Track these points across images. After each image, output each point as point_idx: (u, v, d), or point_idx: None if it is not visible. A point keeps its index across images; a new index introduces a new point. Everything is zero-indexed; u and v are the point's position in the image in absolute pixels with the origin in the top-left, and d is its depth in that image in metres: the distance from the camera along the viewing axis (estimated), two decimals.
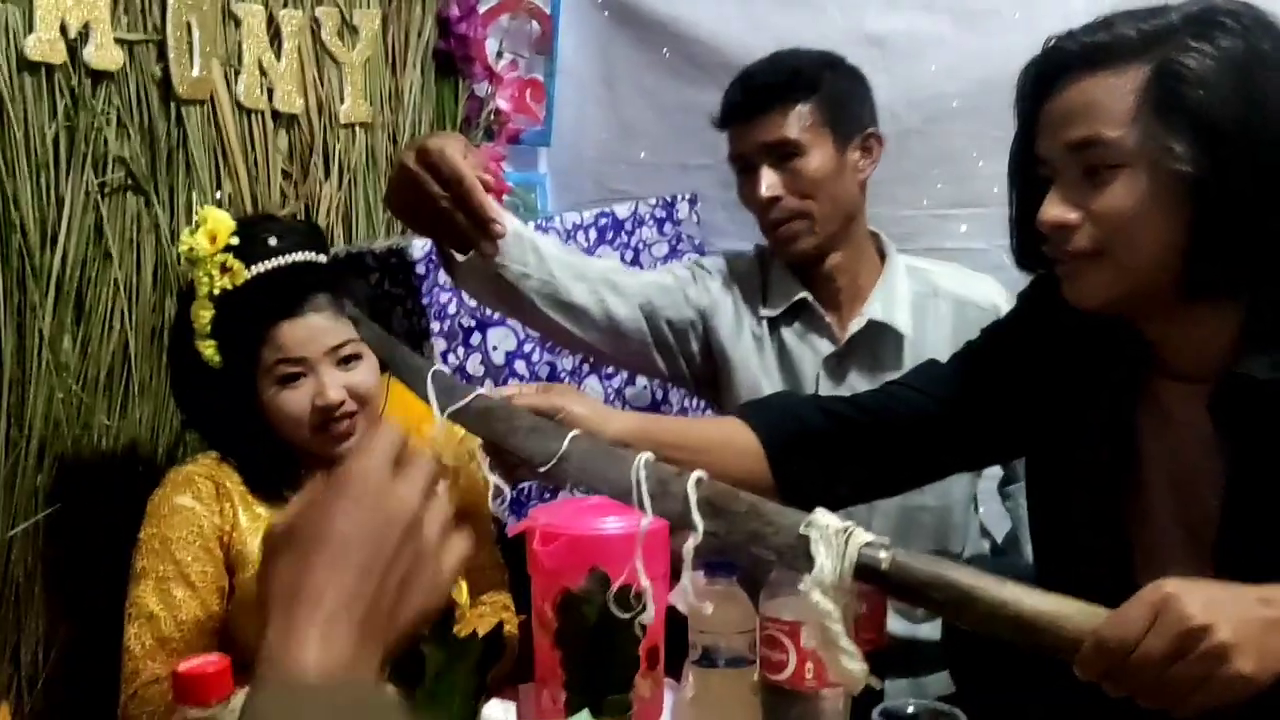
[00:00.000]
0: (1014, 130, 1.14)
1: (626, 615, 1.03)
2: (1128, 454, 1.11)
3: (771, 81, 1.62)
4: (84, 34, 1.58)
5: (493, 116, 2.29)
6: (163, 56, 1.70)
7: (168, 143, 1.72)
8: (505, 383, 1.88)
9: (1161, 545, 1.08)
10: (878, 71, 1.72)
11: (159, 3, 1.69)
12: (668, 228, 2.17)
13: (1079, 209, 1.03)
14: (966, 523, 1.71)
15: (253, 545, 1.42)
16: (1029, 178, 1.10)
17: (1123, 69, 1.00)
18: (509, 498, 1.06)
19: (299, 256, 1.45)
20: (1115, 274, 1.04)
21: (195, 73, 1.73)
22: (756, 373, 1.66)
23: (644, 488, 0.98)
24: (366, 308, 1.42)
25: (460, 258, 1.43)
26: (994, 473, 1.75)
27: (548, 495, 1.87)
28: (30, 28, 1.53)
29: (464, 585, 1.50)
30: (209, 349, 1.42)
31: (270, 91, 1.86)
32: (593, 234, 2.00)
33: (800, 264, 1.67)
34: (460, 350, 1.81)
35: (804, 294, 1.67)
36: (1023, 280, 1.25)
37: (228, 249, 1.41)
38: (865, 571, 0.91)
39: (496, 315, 1.83)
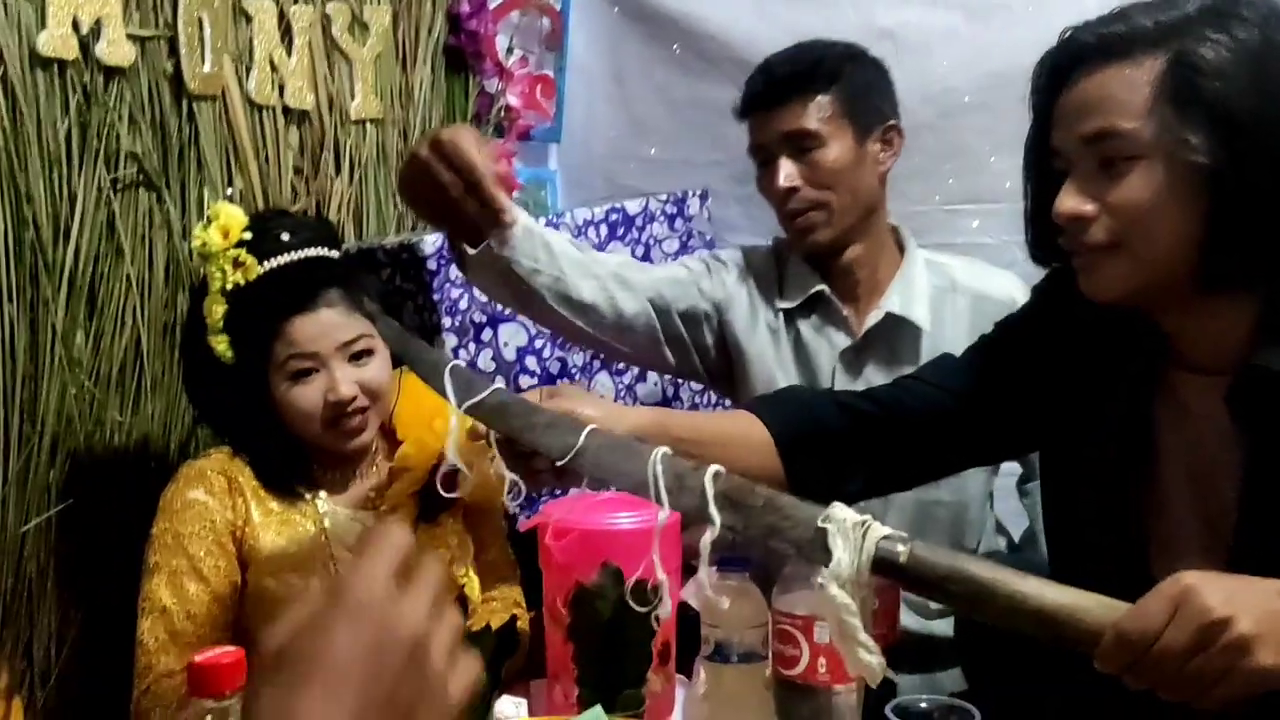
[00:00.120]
0: (1026, 125, 1.14)
1: (643, 609, 1.02)
2: (1144, 447, 1.11)
3: (792, 72, 1.62)
4: (96, 30, 1.58)
5: (503, 113, 2.29)
6: (174, 53, 1.70)
7: (179, 139, 1.72)
8: (516, 379, 1.88)
9: (1177, 538, 1.08)
10: (889, 66, 1.71)
11: None
12: (678, 223, 2.16)
13: (1095, 201, 1.03)
14: (982, 519, 1.71)
15: (265, 540, 1.42)
16: (1044, 170, 1.10)
17: (1139, 60, 1.00)
18: (524, 493, 1.06)
19: (311, 252, 1.45)
20: (1131, 266, 1.03)
21: (207, 69, 1.73)
22: (772, 366, 1.66)
23: (661, 481, 0.98)
24: (377, 304, 1.42)
25: (471, 251, 1.43)
26: (1011, 469, 1.75)
27: (559, 491, 1.87)
28: (43, 24, 1.53)
29: (475, 581, 1.50)
30: (221, 344, 1.43)
31: (281, 87, 1.86)
32: (603, 230, 2.00)
33: (818, 256, 1.67)
34: (471, 346, 1.81)
35: (821, 286, 1.66)
36: (1037, 275, 1.25)
37: (240, 244, 1.41)
38: (883, 565, 0.90)
39: (508, 311, 1.83)
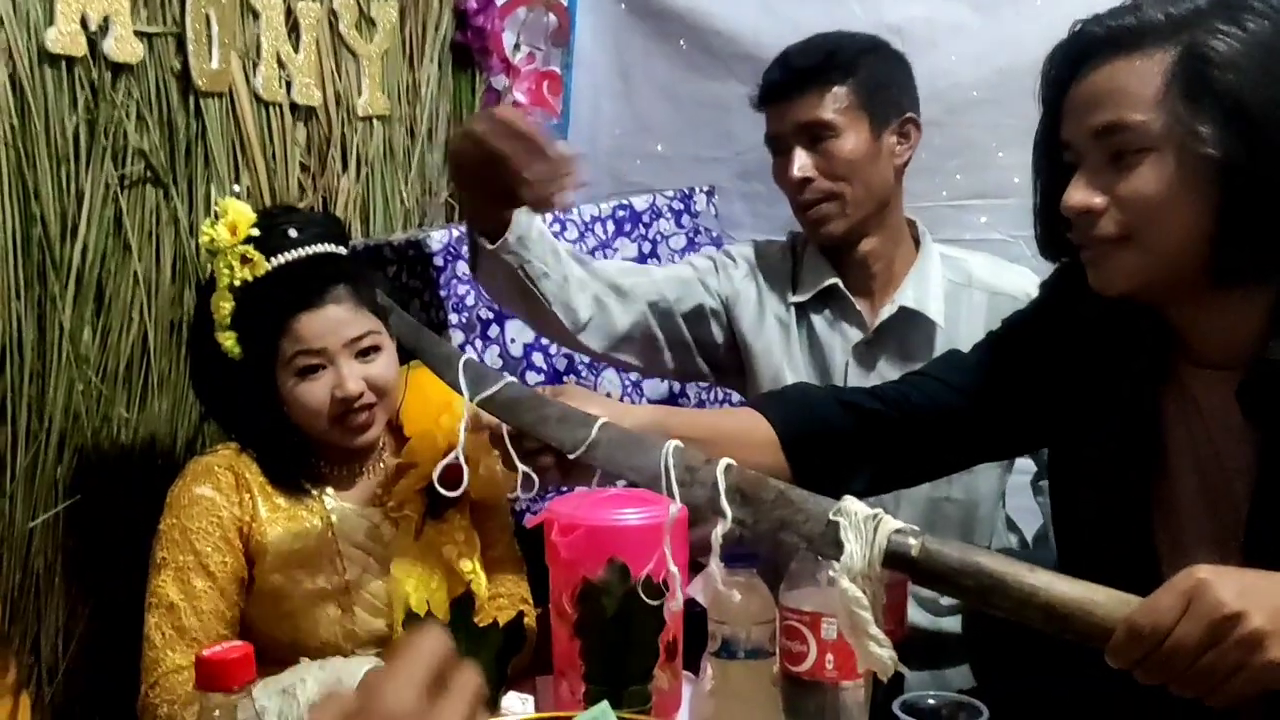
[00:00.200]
0: (1034, 120, 1.13)
1: (654, 602, 1.02)
2: (1153, 442, 1.10)
3: (808, 63, 1.61)
4: (104, 27, 1.59)
5: (488, 110, 2.29)
6: (182, 49, 1.70)
7: (187, 135, 1.72)
8: (523, 375, 1.88)
9: (1187, 533, 1.08)
10: None
11: None
12: (685, 220, 2.16)
13: (1104, 194, 1.02)
14: (994, 517, 1.70)
15: (272, 536, 1.42)
16: (1053, 164, 1.09)
17: (1150, 53, 1.00)
18: (536, 485, 1.06)
19: (319, 248, 1.45)
20: (1141, 259, 1.03)
21: (214, 65, 1.74)
22: (780, 361, 1.66)
23: (673, 474, 0.97)
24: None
25: (489, 246, 1.43)
26: (1026, 466, 1.74)
27: (564, 488, 1.87)
28: (51, 20, 1.53)
29: (482, 576, 1.50)
30: (229, 340, 1.43)
31: (288, 84, 1.87)
32: (610, 226, 2.00)
33: (832, 248, 1.67)
34: (478, 342, 1.81)
35: (834, 280, 1.66)
36: (1048, 270, 1.24)
37: (248, 240, 1.41)
38: (895, 558, 0.90)
39: None
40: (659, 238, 2.11)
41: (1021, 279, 1.66)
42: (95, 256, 1.62)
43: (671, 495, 0.98)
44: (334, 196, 1.98)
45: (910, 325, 1.63)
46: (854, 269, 1.66)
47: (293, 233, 1.44)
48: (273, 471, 1.46)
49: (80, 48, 1.56)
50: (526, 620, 1.35)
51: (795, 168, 1.61)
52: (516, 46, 2.31)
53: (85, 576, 1.64)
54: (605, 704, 0.94)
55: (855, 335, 1.65)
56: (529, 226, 1.46)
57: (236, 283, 1.41)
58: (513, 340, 1.85)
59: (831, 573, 0.92)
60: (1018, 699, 1.18)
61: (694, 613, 1.20)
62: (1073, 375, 1.16)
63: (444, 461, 1.13)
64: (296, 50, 1.87)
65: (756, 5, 2.20)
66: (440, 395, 1.50)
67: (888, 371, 1.60)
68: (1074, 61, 1.05)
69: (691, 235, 2.18)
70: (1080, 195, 1.03)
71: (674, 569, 0.99)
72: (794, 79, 1.62)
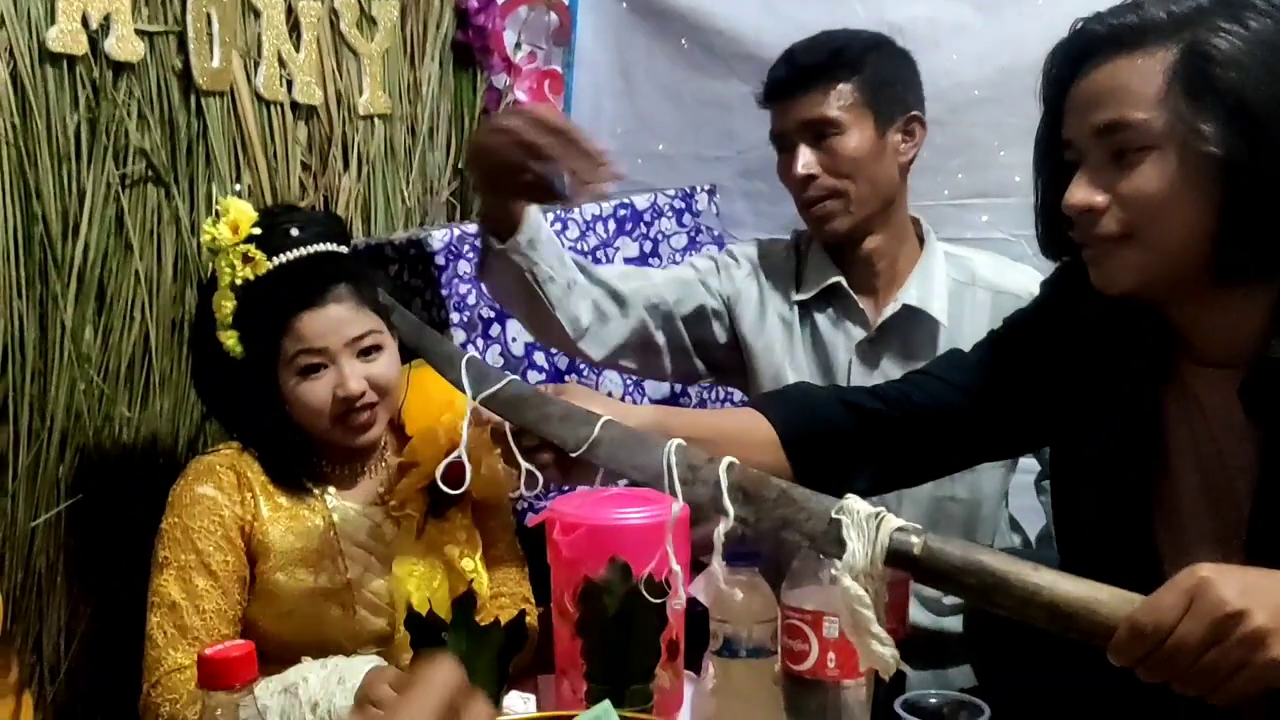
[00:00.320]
0: (1036, 119, 1.13)
1: (657, 600, 1.02)
2: (1154, 441, 1.10)
3: (814, 60, 1.61)
4: (105, 25, 1.59)
5: (510, 108, 2.29)
6: (183, 48, 1.70)
7: (188, 134, 1.72)
8: (524, 374, 1.88)
9: (1189, 532, 1.07)
10: None
11: None
12: (686, 219, 2.16)
13: (1106, 192, 1.02)
14: (997, 517, 1.70)
15: (273, 535, 1.42)
16: (1055, 162, 1.09)
17: (1151, 51, 0.99)
18: (540, 482, 1.06)
19: (321, 247, 1.45)
20: (1143, 258, 1.03)
21: (215, 64, 1.74)
22: (782, 360, 1.66)
23: (675, 473, 0.97)
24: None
25: (498, 245, 1.44)
26: (1029, 466, 1.74)
27: (566, 487, 1.87)
28: (52, 19, 1.53)
29: (484, 576, 1.50)
30: (230, 339, 1.43)
31: (289, 83, 1.87)
32: (611, 225, 2.00)
33: (837, 245, 1.67)
34: (479, 341, 1.81)
35: (838, 278, 1.66)
36: (1051, 269, 1.24)
37: (250, 239, 1.41)
38: (897, 557, 0.90)
39: None
40: (660, 236, 2.11)
41: (1025, 278, 1.66)
42: (97, 255, 1.62)
43: (674, 493, 0.98)
44: (335, 195, 1.98)
45: (914, 323, 1.63)
46: (858, 267, 1.66)
47: (294, 232, 1.44)
48: (274, 470, 1.46)
49: (81, 46, 1.56)
50: (528, 619, 1.35)
51: (799, 165, 1.60)
52: (518, 45, 2.31)
53: (87, 575, 1.64)
54: (607, 703, 0.94)
55: (858, 333, 1.65)
56: (538, 229, 1.46)
57: (238, 281, 1.41)
58: (514, 339, 1.85)
59: (834, 571, 0.92)
60: (1020, 698, 1.18)
61: (696, 611, 1.20)
62: (1074, 374, 1.16)
63: (447, 460, 1.14)
64: (298, 49, 1.87)
65: (758, 4, 2.20)
66: (442, 394, 1.50)
67: (891, 370, 1.59)
68: (1075, 60, 1.05)
69: (693, 234, 2.18)
70: (1082, 194, 1.03)
71: (676, 567, 0.99)
72: (799, 76, 1.61)
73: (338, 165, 1.98)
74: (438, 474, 1.12)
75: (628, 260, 2.00)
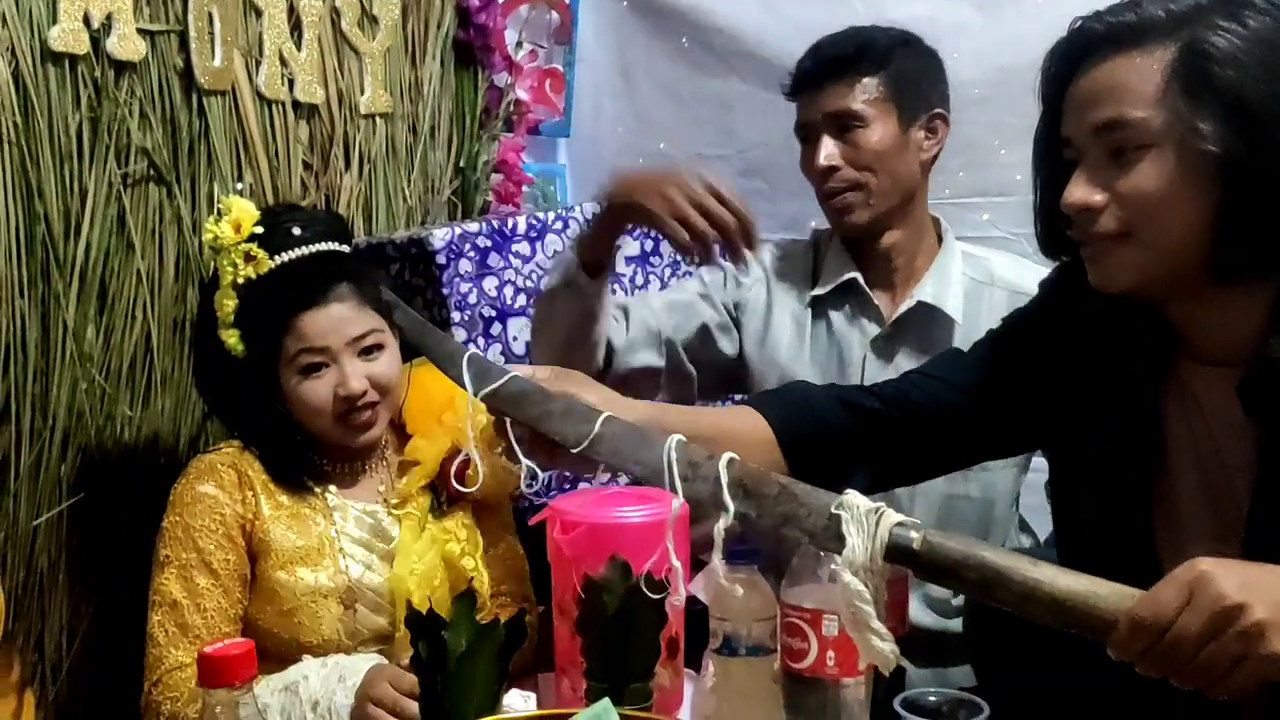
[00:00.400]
0: (1035, 118, 1.13)
1: (657, 596, 1.02)
2: (1153, 439, 1.10)
3: (841, 53, 1.62)
4: (107, 25, 1.59)
5: (512, 107, 2.29)
6: (184, 47, 1.71)
7: (190, 133, 1.73)
8: None
9: (1187, 531, 1.07)
10: None
11: None
12: None
13: (1105, 191, 1.02)
14: (1009, 517, 1.70)
15: (275, 534, 1.43)
16: (1054, 161, 1.09)
17: (1150, 49, 0.99)
18: (539, 479, 1.06)
19: (323, 246, 1.45)
20: (1142, 256, 1.03)
21: (217, 63, 1.74)
22: (792, 360, 1.66)
23: (675, 469, 0.97)
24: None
25: (585, 279, 1.48)
26: (1041, 465, 1.73)
27: (567, 485, 1.87)
28: (54, 19, 1.54)
29: (485, 574, 1.50)
30: (232, 338, 1.43)
31: (291, 82, 1.87)
32: None
33: (855, 241, 1.67)
34: (480, 340, 1.81)
35: (854, 274, 1.66)
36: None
37: (252, 238, 1.41)
38: (897, 552, 0.90)
39: (517, 305, 1.83)
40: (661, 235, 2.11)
41: (1042, 279, 1.66)
42: (99, 255, 1.63)
43: (674, 490, 0.98)
44: (337, 194, 1.98)
45: (928, 321, 1.64)
46: (876, 262, 1.67)
47: (296, 231, 1.44)
48: (276, 469, 1.47)
49: (83, 46, 1.56)
50: (528, 618, 1.35)
51: (822, 156, 1.61)
52: (519, 44, 2.31)
53: (89, 574, 1.64)
54: (606, 701, 0.94)
55: (873, 330, 1.66)
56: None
57: (240, 280, 1.42)
58: (515, 338, 1.85)
59: (834, 567, 0.92)
60: (1020, 695, 1.18)
61: (696, 610, 1.20)
62: (1073, 373, 1.16)
63: (459, 459, 1.15)
64: (299, 48, 1.88)
65: (759, 3, 2.20)
66: (442, 393, 1.50)
67: (905, 367, 1.58)
68: (1074, 58, 1.05)
69: None
70: (1080, 192, 1.03)
71: (676, 564, 0.99)
72: (825, 68, 1.63)
73: (339, 164, 1.98)
74: (451, 474, 1.14)
75: (629, 259, 2.01)
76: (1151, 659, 0.86)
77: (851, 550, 0.91)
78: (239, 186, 1.79)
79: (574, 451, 1.04)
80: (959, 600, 1.63)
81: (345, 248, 1.50)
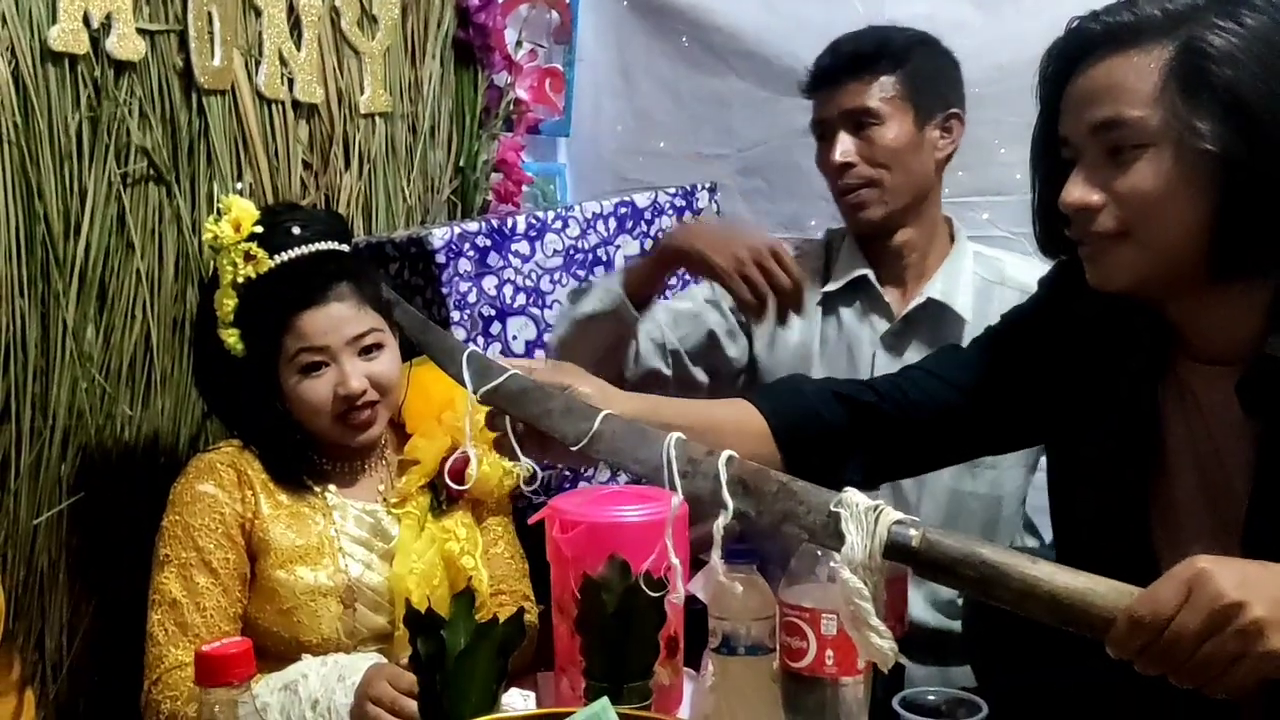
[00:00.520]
0: (1035, 117, 1.13)
1: (656, 594, 1.02)
2: (1152, 439, 1.10)
3: (859, 51, 1.64)
4: (106, 24, 1.59)
5: (511, 106, 2.29)
6: (184, 47, 1.71)
7: (189, 133, 1.73)
8: None
9: (1186, 530, 1.07)
10: None
11: None
12: (687, 216, 2.16)
13: (1102, 190, 1.02)
14: (1016, 516, 1.71)
15: (274, 533, 1.43)
16: (1052, 160, 1.09)
17: (1147, 48, 0.99)
18: (539, 478, 1.06)
19: (322, 246, 1.46)
20: (1140, 255, 1.03)
21: (216, 63, 1.74)
22: (800, 358, 1.67)
23: (674, 466, 0.98)
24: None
25: (634, 313, 1.55)
26: None
27: (567, 485, 1.87)
28: (53, 18, 1.54)
29: (484, 574, 1.51)
30: (232, 337, 1.43)
31: (290, 81, 1.87)
32: (612, 223, 2.00)
33: (868, 237, 1.69)
34: (480, 339, 1.81)
35: (865, 271, 1.68)
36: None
37: (252, 237, 1.42)
38: (896, 549, 0.90)
39: (516, 304, 1.83)
40: (661, 234, 2.11)
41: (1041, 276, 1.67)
42: (98, 254, 1.63)
43: (673, 487, 0.98)
44: (336, 194, 1.98)
45: (938, 318, 1.65)
46: (888, 259, 1.69)
47: (296, 230, 1.44)
48: (275, 468, 1.47)
49: (83, 45, 1.56)
50: (528, 617, 1.36)
51: (838, 152, 1.63)
52: (518, 43, 2.31)
53: (89, 573, 1.65)
54: (605, 700, 0.94)
55: (883, 325, 1.67)
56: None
57: (240, 280, 1.42)
58: (514, 337, 1.86)
59: (833, 564, 0.92)
60: (1019, 693, 1.18)
61: (695, 609, 1.20)
62: (1071, 372, 1.16)
63: (454, 456, 1.15)
64: (299, 47, 1.88)
65: (758, 2, 2.20)
66: (442, 393, 1.51)
67: (915, 360, 1.60)
68: (1071, 58, 1.05)
69: None
70: (1078, 191, 1.03)
71: (675, 562, 0.99)
72: (844, 65, 1.64)
73: (339, 163, 1.98)
74: (447, 470, 1.14)
75: (629, 259, 2.01)
76: (1150, 657, 0.86)
77: (850, 548, 0.91)
78: (239, 186, 1.79)
79: (574, 449, 1.04)
80: (963, 600, 1.63)
81: (345, 247, 1.50)
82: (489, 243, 1.81)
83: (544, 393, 1.06)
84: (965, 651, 1.57)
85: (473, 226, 1.81)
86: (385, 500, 1.51)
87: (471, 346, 1.10)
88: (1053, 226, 1.11)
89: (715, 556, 0.98)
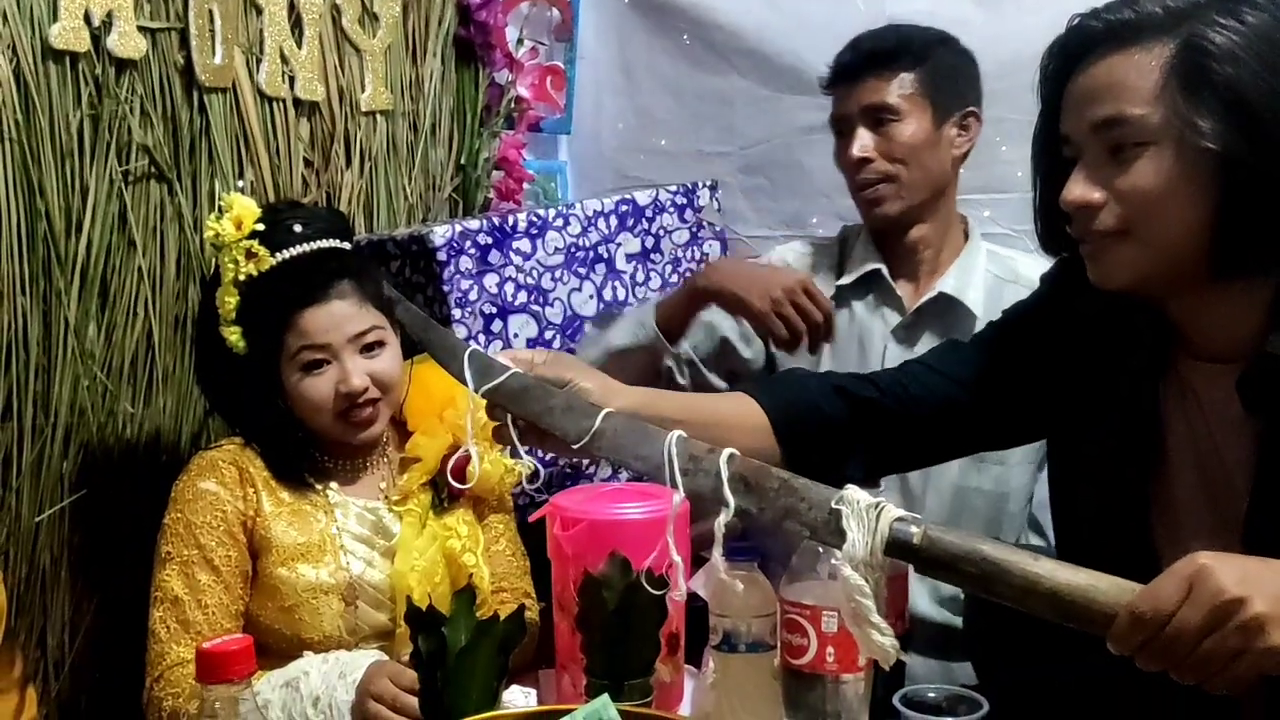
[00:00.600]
0: (1036, 114, 1.13)
1: (658, 592, 1.03)
2: (1152, 436, 1.10)
3: (880, 48, 1.66)
4: (107, 22, 1.59)
5: (513, 104, 2.29)
6: (185, 45, 1.71)
7: (190, 131, 1.73)
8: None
9: (1186, 528, 1.07)
10: None
11: None
12: (688, 214, 2.16)
13: (1103, 188, 1.02)
14: (1022, 514, 1.72)
15: (276, 530, 1.43)
16: (1053, 158, 1.09)
17: (1148, 46, 0.99)
18: (541, 476, 1.07)
19: (324, 243, 1.46)
20: (1141, 253, 1.03)
21: (217, 61, 1.74)
22: (812, 354, 1.67)
23: (676, 464, 0.98)
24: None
25: (664, 346, 1.62)
26: None
27: (568, 482, 1.87)
28: (54, 16, 1.54)
29: (485, 571, 1.51)
30: (234, 335, 1.43)
31: (292, 79, 1.87)
32: (613, 221, 2.00)
33: (883, 233, 1.71)
34: (481, 337, 1.81)
35: (879, 265, 1.70)
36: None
37: (253, 235, 1.42)
38: (897, 547, 0.90)
39: (517, 302, 1.83)
40: (662, 232, 2.11)
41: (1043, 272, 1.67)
42: (100, 252, 1.63)
43: (675, 484, 0.98)
44: (337, 191, 1.98)
45: (949, 312, 1.66)
46: (902, 254, 1.70)
47: (298, 228, 1.44)
48: (277, 466, 1.47)
49: (84, 43, 1.56)
50: (529, 614, 1.36)
51: (856, 147, 1.65)
52: (519, 41, 2.31)
53: (91, 571, 1.65)
54: (605, 697, 0.94)
55: (895, 318, 1.69)
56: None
57: (241, 277, 1.42)
58: (516, 335, 1.86)
59: (834, 561, 0.92)
60: (1020, 689, 1.19)
61: (696, 607, 1.20)
62: (1072, 370, 1.16)
63: (457, 455, 1.15)
64: (300, 45, 1.88)
65: (760, 0, 2.20)
66: (444, 391, 1.51)
67: None
68: (1072, 56, 1.05)
69: (694, 230, 2.17)
70: (1079, 190, 1.03)
71: (677, 559, 0.99)
72: (864, 62, 1.66)
73: (340, 161, 1.98)
74: (449, 468, 1.15)
75: (629, 256, 2.01)
76: (1151, 653, 0.86)
77: (852, 545, 0.91)
78: (240, 184, 1.79)
79: (575, 447, 1.04)
80: (965, 596, 1.63)
81: (346, 245, 1.50)
82: (490, 240, 1.81)
83: (545, 390, 1.06)
84: (967, 647, 1.57)
85: (474, 224, 1.81)
86: (387, 498, 1.51)
87: (473, 344, 1.10)
88: (1054, 224, 1.11)
89: (716, 554, 0.98)
